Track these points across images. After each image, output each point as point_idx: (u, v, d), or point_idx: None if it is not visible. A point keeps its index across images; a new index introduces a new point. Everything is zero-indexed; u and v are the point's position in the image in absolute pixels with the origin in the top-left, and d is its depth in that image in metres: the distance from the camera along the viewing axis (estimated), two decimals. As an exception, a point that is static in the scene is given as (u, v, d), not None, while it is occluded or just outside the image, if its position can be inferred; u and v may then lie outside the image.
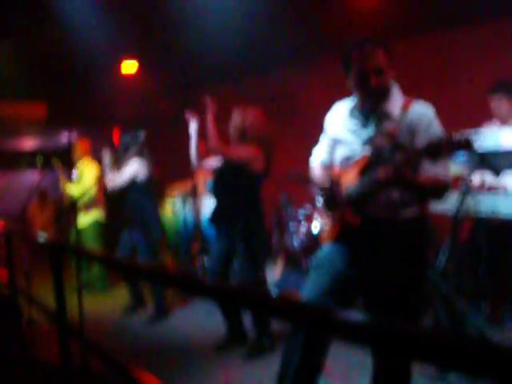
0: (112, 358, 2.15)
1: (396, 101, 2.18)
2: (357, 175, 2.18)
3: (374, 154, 2.13)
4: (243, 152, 3.56)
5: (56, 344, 2.53)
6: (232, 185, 3.63)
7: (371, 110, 2.19)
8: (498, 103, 3.71)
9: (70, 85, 7.63)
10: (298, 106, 7.29)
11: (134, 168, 4.65)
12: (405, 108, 2.15)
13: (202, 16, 5.31)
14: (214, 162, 3.91)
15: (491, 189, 3.49)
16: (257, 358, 3.56)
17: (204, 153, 3.89)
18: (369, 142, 2.18)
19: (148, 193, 4.85)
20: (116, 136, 9.05)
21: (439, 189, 2.14)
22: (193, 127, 3.84)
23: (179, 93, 8.20)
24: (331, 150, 2.42)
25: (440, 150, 1.82)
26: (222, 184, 3.73)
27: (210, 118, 3.58)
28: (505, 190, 3.43)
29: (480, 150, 3.01)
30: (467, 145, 1.78)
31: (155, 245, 4.88)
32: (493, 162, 2.99)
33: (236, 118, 3.71)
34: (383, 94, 2.16)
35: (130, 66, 7.55)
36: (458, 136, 1.80)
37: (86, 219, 5.83)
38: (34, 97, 8.34)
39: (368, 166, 2.13)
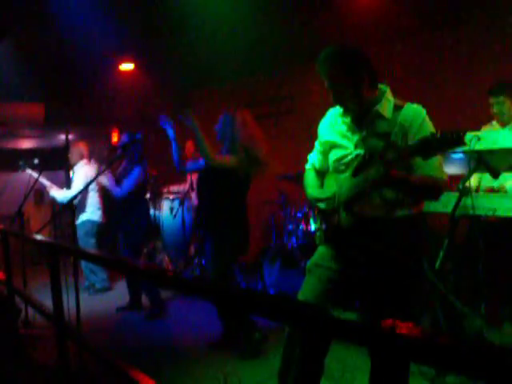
0: (109, 358, 2.14)
1: (388, 102, 2.18)
2: (350, 175, 2.18)
3: (367, 154, 2.13)
4: (236, 160, 3.55)
5: (53, 345, 2.52)
6: (216, 188, 3.63)
7: (360, 112, 2.20)
8: (501, 105, 3.67)
9: (68, 86, 7.62)
10: (294, 107, 7.30)
11: (138, 175, 4.73)
12: (397, 110, 2.16)
13: (200, 17, 5.30)
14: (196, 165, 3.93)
15: (489, 189, 3.48)
16: (253, 357, 3.56)
17: (190, 154, 3.90)
18: (361, 143, 2.19)
19: (143, 195, 4.92)
20: (114, 137, 9.05)
21: (433, 188, 2.13)
22: (170, 133, 3.81)
23: (177, 94, 8.21)
24: (324, 154, 2.43)
25: (431, 146, 1.81)
26: (207, 186, 3.72)
27: (197, 130, 3.53)
28: (503, 191, 3.43)
29: (478, 151, 3.01)
30: (458, 140, 1.77)
31: (139, 246, 4.95)
32: (492, 163, 2.98)
33: (225, 123, 3.65)
34: (356, 102, 2.17)
35: (127, 67, 7.55)
36: (448, 132, 1.79)
37: (79, 218, 5.80)
38: (31, 98, 8.33)
39: (361, 167, 2.13)
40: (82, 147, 6.02)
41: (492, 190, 3.46)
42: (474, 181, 3.42)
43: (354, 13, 5.06)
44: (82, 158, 5.96)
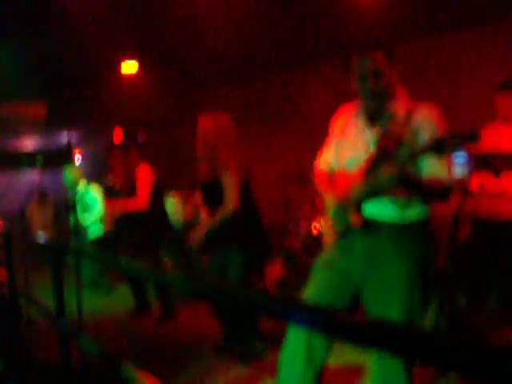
0: (110, 358, 2.15)
1: (402, 103, 2.18)
2: (361, 176, 2.18)
3: (379, 154, 2.12)
4: (234, 190, 3.51)
5: (55, 344, 2.53)
6: (219, 202, 3.62)
7: (375, 111, 2.19)
8: (505, 101, 3.67)
9: (70, 85, 7.64)
10: (297, 108, 7.30)
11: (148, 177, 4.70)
12: (411, 110, 2.16)
13: (202, 17, 5.31)
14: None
15: (490, 191, 3.47)
16: (253, 360, 3.55)
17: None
18: (374, 143, 2.19)
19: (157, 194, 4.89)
20: (116, 136, 9.05)
21: (443, 190, 2.13)
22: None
23: (179, 95, 8.21)
24: (336, 152, 2.42)
25: (445, 143, 1.80)
26: (211, 200, 3.70)
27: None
28: (503, 192, 3.43)
29: (480, 152, 3.01)
30: (473, 138, 1.76)
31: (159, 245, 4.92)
32: (493, 163, 2.99)
33: (205, 131, 3.62)
34: (385, 96, 2.16)
35: (130, 67, 7.55)
36: (463, 130, 1.78)
37: (92, 233, 5.82)
38: (33, 97, 8.34)
39: (373, 167, 2.13)
40: (78, 170, 6.04)
41: (493, 191, 3.46)
42: (475, 182, 3.42)
43: (356, 14, 5.06)
44: (79, 179, 5.94)
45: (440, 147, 1.82)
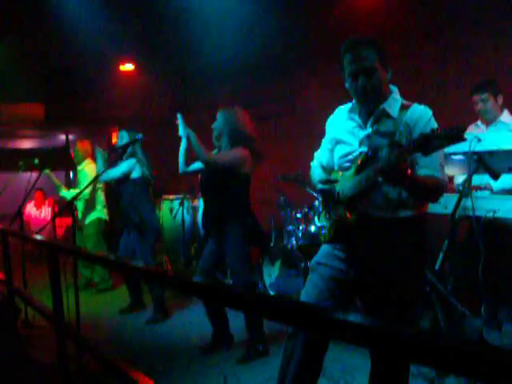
0: (108, 358, 2.14)
1: (395, 101, 2.18)
2: (353, 173, 2.18)
3: (371, 152, 2.12)
4: (234, 156, 3.58)
5: (52, 344, 2.52)
6: (220, 187, 3.63)
7: (369, 109, 2.20)
8: (484, 102, 3.67)
9: (68, 86, 7.63)
10: (295, 107, 7.30)
11: (127, 165, 4.66)
12: (403, 109, 2.15)
13: (200, 17, 5.31)
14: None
15: (475, 188, 3.45)
16: (252, 361, 3.56)
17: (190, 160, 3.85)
18: (366, 140, 2.19)
19: (144, 194, 4.82)
20: (114, 137, 9.05)
21: (435, 189, 2.12)
22: (181, 129, 3.66)
23: (176, 94, 8.20)
24: (330, 151, 2.43)
25: (431, 141, 1.79)
26: (211, 187, 3.72)
27: (191, 134, 3.58)
28: (489, 188, 3.45)
29: (478, 152, 3.00)
30: (458, 136, 1.75)
31: (152, 246, 4.86)
32: (492, 165, 2.97)
33: (224, 119, 3.67)
34: (376, 95, 2.16)
35: (127, 68, 7.56)
36: (448, 128, 1.77)
37: (89, 217, 5.82)
38: (31, 98, 8.34)
39: (364, 164, 2.13)
40: (87, 146, 6.02)
41: (479, 189, 3.47)
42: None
43: (354, 14, 5.07)
44: (87, 156, 5.95)
45: (425, 146, 1.81)
